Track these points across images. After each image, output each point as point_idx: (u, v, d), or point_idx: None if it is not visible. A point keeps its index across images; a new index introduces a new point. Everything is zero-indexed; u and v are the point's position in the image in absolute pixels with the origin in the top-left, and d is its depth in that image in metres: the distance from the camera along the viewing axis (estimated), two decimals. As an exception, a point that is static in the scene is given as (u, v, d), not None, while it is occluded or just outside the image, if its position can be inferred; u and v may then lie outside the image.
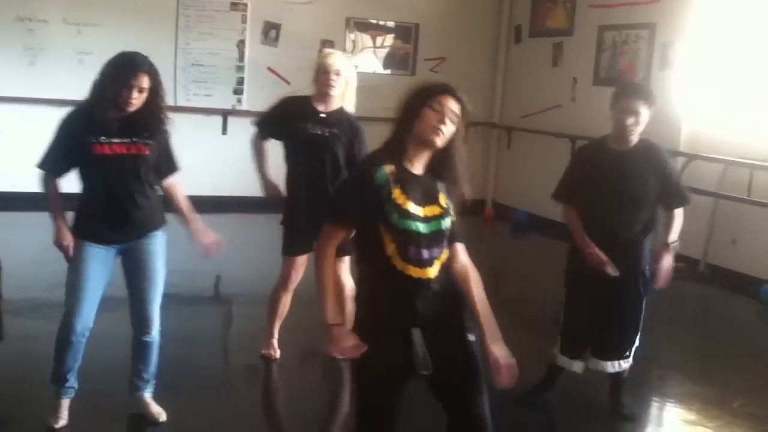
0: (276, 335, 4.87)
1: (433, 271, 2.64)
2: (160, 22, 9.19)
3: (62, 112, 8.62)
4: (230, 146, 9.30)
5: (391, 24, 10.32)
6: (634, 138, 3.97)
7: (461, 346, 2.71)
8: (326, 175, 4.47)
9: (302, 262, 4.65)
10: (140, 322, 3.75)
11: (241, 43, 9.63)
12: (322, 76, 4.49)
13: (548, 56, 9.74)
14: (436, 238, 2.67)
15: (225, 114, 9.53)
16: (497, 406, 2.76)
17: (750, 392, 4.73)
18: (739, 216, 7.35)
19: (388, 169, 2.64)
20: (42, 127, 8.88)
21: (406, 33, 10.36)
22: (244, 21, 9.60)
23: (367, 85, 4.70)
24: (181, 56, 9.35)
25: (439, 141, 2.67)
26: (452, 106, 2.72)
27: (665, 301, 7.09)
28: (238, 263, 6.60)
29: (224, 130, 9.54)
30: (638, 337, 4.13)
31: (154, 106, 3.61)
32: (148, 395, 3.87)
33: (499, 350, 2.65)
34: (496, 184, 10.83)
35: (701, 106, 7.91)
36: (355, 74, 4.63)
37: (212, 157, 9.04)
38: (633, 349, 4.13)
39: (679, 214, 4.09)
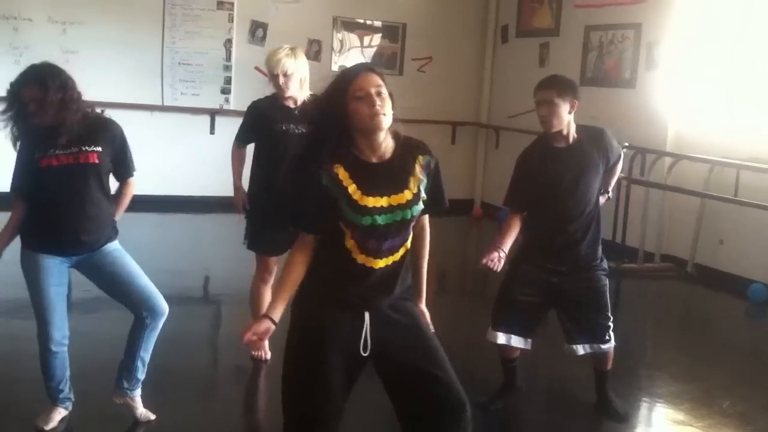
0: None
1: (388, 261, 2.61)
2: (146, 20, 9.15)
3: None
4: (218, 146, 9.20)
5: (378, 23, 10.32)
6: (564, 130, 3.95)
7: (417, 330, 2.70)
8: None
9: (276, 258, 4.67)
10: (135, 306, 3.72)
11: (228, 42, 9.60)
12: (273, 78, 4.50)
13: (535, 56, 9.76)
14: (399, 227, 2.61)
15: (212, 113, 9.50)
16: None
17: (738, 392, 4.75)
18: (726, 216, 7.38)
19: (335, 169, 2.55)
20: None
21: (393, 32, 10.35)
22: (230, 20, 9.57)
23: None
24: (168, 55, 9.31)
25: (386, 122, 2.55)
26: (372, 81, 2.55)
27: (653, 300, 7.14)
28: (226, 263, 6.59)
29: (212, 130, 9.51)
30: (610, 321, 4.10)
31: (76, 112, 3.54)
32: (136, 395, 3.84)
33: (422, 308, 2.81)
34: (484, 183, 10.85)
35: (687, 106, 7.94)
36: (306, 68, 4.57)
37: (200, 156, 9.00)
38: (609, 333, 4.11)
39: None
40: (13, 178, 3.65)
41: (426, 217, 2.81)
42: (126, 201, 3.86)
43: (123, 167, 3.76)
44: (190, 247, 7.19)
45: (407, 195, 2.61)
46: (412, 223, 2.66)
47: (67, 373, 3.70)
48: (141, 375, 3.81)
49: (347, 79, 2.57)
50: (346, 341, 2.61)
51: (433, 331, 2.75)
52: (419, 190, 2.65)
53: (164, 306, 3.73)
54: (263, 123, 4.57)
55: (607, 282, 4.13)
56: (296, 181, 2.63)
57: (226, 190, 7.62)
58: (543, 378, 4.80)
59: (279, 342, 4.89)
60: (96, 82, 3.90)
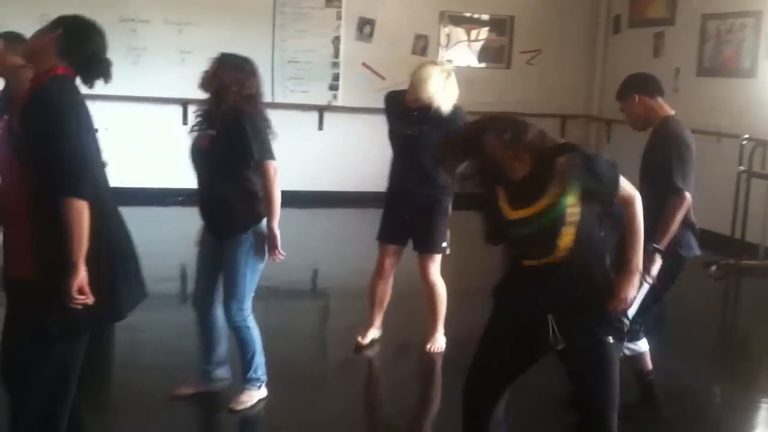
0: (374, 323, 4.95)
1: (552, 258, 2.76)
2: (257, 20, 9.34)
3: (165, 110, 8.88)
4: (326, 142, 9.39)
5: (485, 17, 10.21)
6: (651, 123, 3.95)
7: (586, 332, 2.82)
8: (413, 170, 4.58)
9: (393, 250, 4.77)
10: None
11: (336, 40, 9.69)
12: (411, 91, 4.48)
13: (649, 46, 9.46)
14: (542, 234, 2.76)
15: (321, 110, 9.62)
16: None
17: None
18: None
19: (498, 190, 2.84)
20: (145, 125, 9.19)
21: (500, 26, 10.23)
22: (339, 17, 9.66)
23: (461, 78, 4.64)
24: (277, 54, 9.48)
25: (516, 172, 2.79)
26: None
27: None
28: (335, 258, 6.65)
29: (320, 126, 9.64)
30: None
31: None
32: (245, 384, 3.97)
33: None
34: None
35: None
36: (452, 86, 4.48)
37: (308, 152, 9.14)
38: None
39: None
40: None
41: (626, 201, 2.91)
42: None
43: (245, 150, 3.87)
44: (298, 241, 7.30)
45: (546, 201, 2.74)
46: (557, 225, 2.74)
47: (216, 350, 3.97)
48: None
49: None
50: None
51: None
52: (558, 198, 2.74)
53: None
54: (388, 115, 4.72)
55: None
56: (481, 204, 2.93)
57: (335, 185, 7.77)
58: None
59: (384, 335, 4.97)
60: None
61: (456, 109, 4.50)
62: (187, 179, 3.94)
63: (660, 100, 3.92)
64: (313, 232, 7.78)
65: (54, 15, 2.87)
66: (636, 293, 2.92)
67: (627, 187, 2.89)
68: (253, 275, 3.84)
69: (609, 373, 2.83)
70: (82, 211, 2.58)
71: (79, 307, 2.58)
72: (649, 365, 3.97)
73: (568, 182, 2.74)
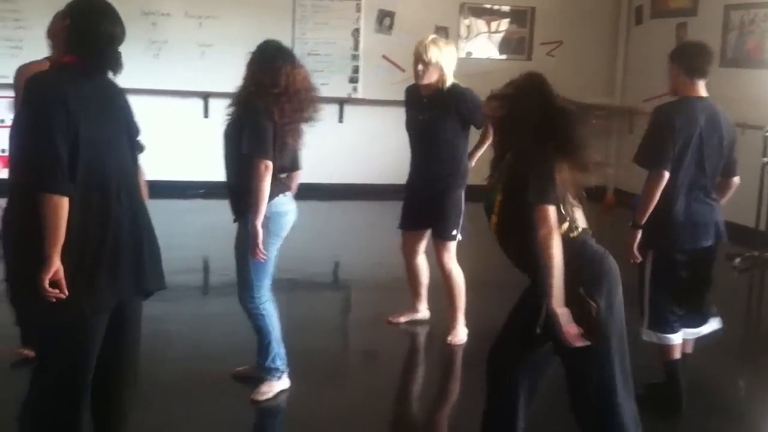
0: (417, 304, 5.07)
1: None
2: (277, 13, 9.33)
3: (186, 103, 8.92)
4: (347, 134, 9.38)
5: (506, 8, 10.16)
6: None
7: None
8: (426, 156, 4.70)
9: (411, 237, 4.93)
10: None
11: (355, 32, 9.68)
12: (413, 65, 4.63)
13: (671, 37, 9.36)
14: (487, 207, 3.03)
15: (341, 102, 9.62)
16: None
17: None
18: None
19: None
20: (167, 118, 9.23)
21: (521, 17, 10.18)
22: (358, 10, 9.64)
23: (482, 70, 4.67)
24: (297, 46, 9.47)
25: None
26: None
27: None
28: (356, 250, 6.66)
29: (340, 119, 9.64)
30: None
31: None
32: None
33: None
34: (618, 169, 10.49)
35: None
36: (451, 56, 4.65)
37: (328, 145, 9.14)
38: None
39: None
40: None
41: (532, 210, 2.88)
42: None
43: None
44: (319, 234, 7.32)
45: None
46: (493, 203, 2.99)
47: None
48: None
49: None
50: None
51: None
52: (496, 178, 3.02)
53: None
54: (405, 106, 4.85)
55: None
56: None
57: (355, 177, 7.78)
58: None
59: (403, 329, 4.98)
60: (230, 74, 4.00)
61: (465, 91, 4.63)
62: (208, 172, 3.96)
63: (695, 80, 3.89)
64: (333, 225, 7.80)
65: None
66: (569, 326, 2.77)
67: (544, 215, 2.83)
68: (257, 261, 3.84)
69: (585, 365, 2.86)
70: (53, 206, 2.59)
71: (53, 299, 2.60)
72: (676, 355, 3.96)
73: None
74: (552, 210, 2.85)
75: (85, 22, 2.78)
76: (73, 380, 2.77)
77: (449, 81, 4.64)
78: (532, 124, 2.98)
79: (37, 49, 3.89)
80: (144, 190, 3.03)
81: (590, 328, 2.78)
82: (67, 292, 2.62)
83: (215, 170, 3.93)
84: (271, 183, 3.74)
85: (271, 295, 3.95)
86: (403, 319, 5.11)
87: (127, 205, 2.81)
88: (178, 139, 8.61)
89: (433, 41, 4.64)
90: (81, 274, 2.68)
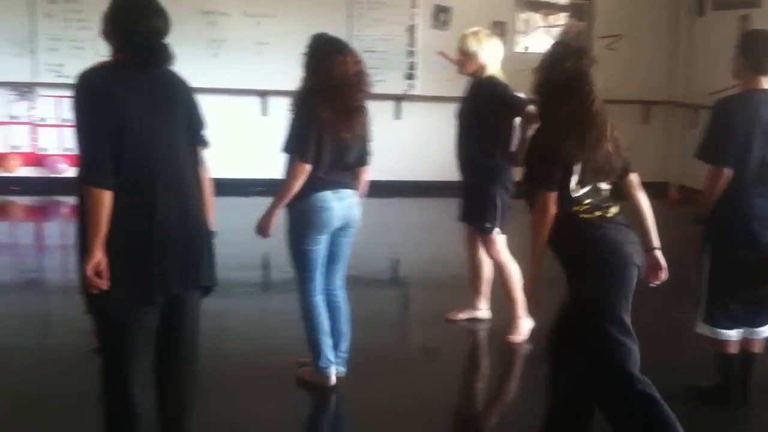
0: (477, 302, 5.06)
1: None
2: (333, 11, 9.37)
3: (244, 101, 9.02)
4: (403, 131, 9.38)
5: (563, 1, 10.04)
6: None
7: None
8: (463, 146, 4.81)
9: (468, 229, 4.96)
10: None
11: (411, 28, 9.67)
12: (457, 52, 4.80)
13: (734, 29, 9.14)
14: None
15: (397, 99, 9.62)
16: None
17: None
18: None
19: None
20: (225, 116, 9.33)
21: (579, 10, 10.04)
22: (414, 6, 9.63)
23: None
24: (353, 44, 9.38)
25: None
26: None
27: None
28: (415, 247, 6.66)
29: (397, 115, 9.64)
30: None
31: None
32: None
33: None
34: (682, 165, 10.30)
35: None
36: (491, 48, 4.72)
37: (385, 142, 9.13)
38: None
39: None
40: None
41: None
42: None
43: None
44: (378, 231, 7.34)
45: None
46: None
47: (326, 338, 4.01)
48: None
49: None
50: None
51: None
52: None
53: None
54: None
55: None
56: None
57: (413, 174, 7.77)
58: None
59: (463, 327, 4.95)
60: (287, 72, 4.03)
61: (496, 83, 4.69)
62: (266, 169, 3.99)
63: (759, 74, 3.77)
64: (392, 222, 7.80)
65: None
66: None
67: (538, 200, 3.11)
68: (297, 253, 3.89)
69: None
70: (95, 200, 2.65)
71: (95, 290, 2.68)
72: (729, 350, 3.89)
73: None
74: (546, 196, 3.01)
75: (125, 19, 2.79)
76: (120, 370, 2.83)
77: (487, 72, 4.69)
78: (549, 89, 3.10)
79: (100, 49, 3.96)
80: (207, 186, 3.01)
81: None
82: (108, 284, 2.69)
83: (274, 167, 3.95)
84: (315, 178, 3.76)
85: (323, 291, 3.98)
86: (462, 316, 5.09)
87: (175, 200, 2.81)
88: (237, 137, 8.70)
89: (474, 32, 4.75)
90: (122, 268, 2.72)
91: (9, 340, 4.55)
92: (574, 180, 3.06)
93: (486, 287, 5.06)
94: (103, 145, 2.66)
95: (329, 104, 3.71)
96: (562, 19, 10.07)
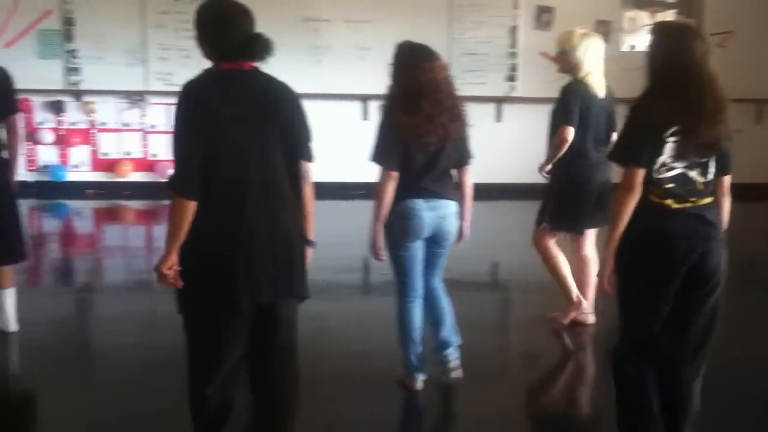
0: (580, 304, 5.01)
1: None
2: (434, 14, 9.39)
3: (346, 106, 9.10)
4: (504, 133, 9.31)
5: (671, -2, 9.76)
6: None
7: None
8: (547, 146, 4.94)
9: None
10: None
11: (513, 29, 9.58)
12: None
13: None
14: None
15: (498, 101, 9.55)
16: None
17: None
18: None
19: None
20: (327, 121, 9.46)
21: (687, 6, 9.74)
22: (516, 7, 9.55)
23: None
24: (454, 46, 9.49)
25: None
26: None
27: None
28: (515, 250, 6.59)
29: (498, 118, 9.57)
30: None
31: None
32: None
33: None
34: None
35: None
36: (583, 48, 4.70)
37: (487, 145, 9.07)
38: None
39: None
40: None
41: None
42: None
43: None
44: (477, 234, 7.30)
45: None
46: None
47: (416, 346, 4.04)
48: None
49: None
50: None
51: None
52: None
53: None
54: None
55: None
56: None
57: (514, 176, 7.71)
58: None
59: (574, 330, 4.87)
60: (387, 76, 4.04)
61: (567, 85, 4.75)
62: (367, 173, 4.02)
63: None
64: (491, 225, 7.73)
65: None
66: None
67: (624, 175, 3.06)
68: (392, 258, 3.91)
69: None
70: (178, 208, 2.73)
71: (167, 287, 2.81)
72: None
73: None
74: (632, 172, 2.93)
75: (207, 28, 2.82)
76: (198, 370, 2.90)
77: (582, 72, 4.70)
78: (652, 69, 3.02)
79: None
80: (308, 200, 2.99)
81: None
82: (179, 285, 2.79)
83: (374, 171, 3.98)
84: (405, 185, 3.77)
85: (421, 295, 3.98)
86: (565, 320, 5.03)
87: (265, 210, 2.80)
88: (338, 141, 8.81)
89: (569, 31, 4.80)
90: (211, 274, 2.78)
91: (119, 337, 4.75)
92: (662, 159, 2.94)
93: (589, 290, 4.97)
94: (193, 157, 2.71)
95: (413, 110, 3.68)
96: (669, 16, 9.78)
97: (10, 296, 4.75)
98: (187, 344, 2.92)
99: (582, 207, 4.80)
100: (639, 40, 9.45)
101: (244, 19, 2.80)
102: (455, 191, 3.93)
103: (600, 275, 3.13)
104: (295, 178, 2.91)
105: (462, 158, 3.94)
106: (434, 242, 3.89)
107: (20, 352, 4.62)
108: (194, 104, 2.73)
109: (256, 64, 2.83)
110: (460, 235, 3.98)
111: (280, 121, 2.84)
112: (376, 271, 5.86)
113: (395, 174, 3.75)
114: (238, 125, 2.75)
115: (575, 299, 4.98)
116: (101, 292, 6.10)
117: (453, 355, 4.05)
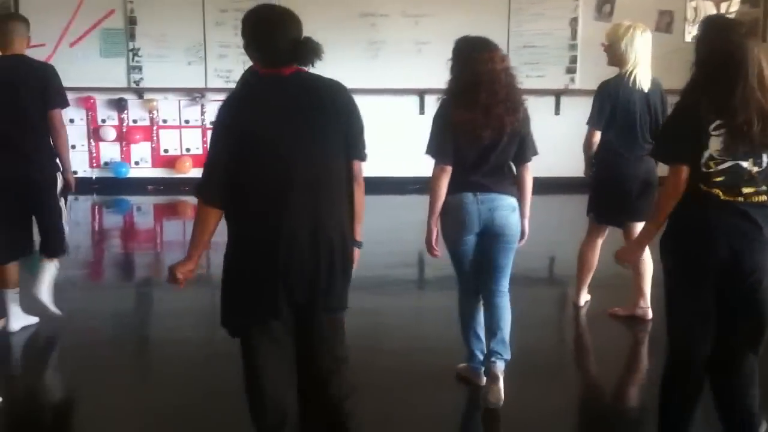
0: (638, 299, 4.98)
1: None
2: (492, 7, 9.32)
3: (402, 101, 9.05)
4: (563, 127, 9.16)
5: (737, -13, 9.51)
6: None
7: None
8: None
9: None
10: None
11: (573, 21, 9.45)
12: None
13: None
14: None
15: (557, 94, 9.43)
16: None
17: None
18: None
19: None
20: (384, 116, 9.49)
21: (754, -5, 9.49)
22: (576, -2, 9.42)
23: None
24: (513, 39, 9.40)
25: None
26: None
27: None
28: (572, 245, 6.49)
29: (557, 111, 9.45)
30: None
31: None
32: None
33: None
34: None
35: None
36: (629, 42, 4.71)
37: (544, 138, 8.95)
38: None
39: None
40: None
41: None
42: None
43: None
44: (535, 228, 7.22)
45: None
46: None
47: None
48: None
49: None
50: None
51: None
52: None
53: None
54: None
55: None
56: None
57: (573, 170, 7.58)
58: None
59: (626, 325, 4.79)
60: (445, 70, 4.00)
61: (605, 81, 4.86)
62: (424, 168, 3.99)
63: None
64: (550, 219, 7.64)
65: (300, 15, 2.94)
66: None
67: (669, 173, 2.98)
68: (447, 250, 3.90)
69: None
70: (200, 212, 2.79)
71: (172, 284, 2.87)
72: None
73: None
74: (674, 169, 2.88)
75: (251, 36, 2.81)
76: (250, 377, 2.92)
77: (627, 66, 4.74)
78: (698, 64, 3.01)
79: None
80: (357, 203, 2.94)
81: None
82: (181, 287, 2.88)
83: (430, 166, 3.95)
84: (457, 179, 3.73)
85: (477, 292, 3.94)
86: (621, 313, 4.99)
87: (307, 213, 2.75)
88: (395, 136, 8.80)
89: (616, 24, 4.89)
90: (250, 279, 2.80)
91: (180, 332, 4.82)
92: (709, 153, 2.85)
93: (644, 284, 4.91)
94: (219, 164, 2.73)
95: (470, 104, 3.63)
96: (735, 5, 9.53)
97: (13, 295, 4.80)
98: (241, 350, 2.93)
99: (617, 201, 4.82)
100: (703, 30, 9.24)
101: (288, 25, 2.77)
102: (512, 186, 3.84)
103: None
104: (342, 179, 2.86)
105: (522, 154, 3.85)
106: (490, 238, 3.81)
107: (80, 345, 4.71)
108: (227, 112, 2.76)
109: (304, 67, 2.79)
110: (522, 233, 3.89)
111: (327, 123, 2.80)
112: (431, 266, 5.83)
113: (448, 168, 3.72)
114: (274, 131, 2.72)
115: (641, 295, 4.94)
116: (161, 286, 6.19)
117: (497, 368, 3.87)
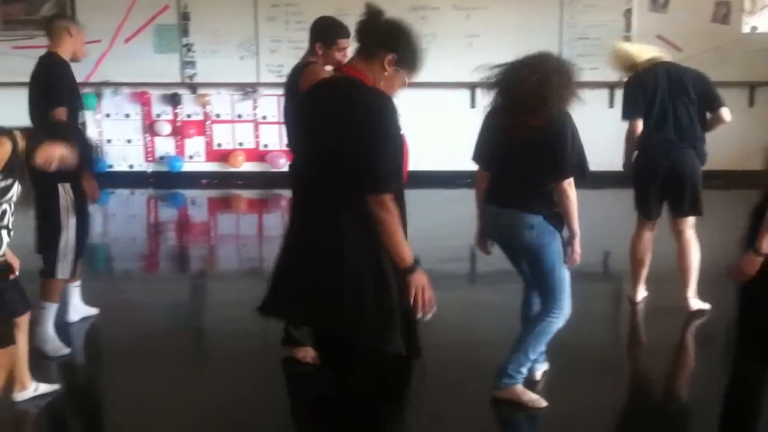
0: (685, 292, 4.94)
1: None
2: (544, 0, 9.23)
3: (453, 95, 9.06)
4: (616, 120, 9.03)
5: (798, -24, 9.27)
6: None
7: None
8: None
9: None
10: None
11: (627, 12, 9.32)
12: None
13: None
14: None
15: (611, 87, 9.30)
16: None
17: None
18: None
19: None
20: (435, 110, 9.47)
21: (816, -16, 9.23)
22: (631, -11, 9.29)
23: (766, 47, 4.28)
24: (566, 31, 9.30)
25: None
26: None
27: None
28: (627, 239, 6.43)
29: (611, 104, 9.32)
30: None
31: None
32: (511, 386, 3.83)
33: None
34: None
35: None
36: (624, 52, 5.21)
37: (598, 131, 8.85)
38: None
39: None
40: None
41: None
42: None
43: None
44: (589, 223, 7.12)
45: None
46: None
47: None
48: (512, 370, 3.75)
49: None
50: None
51: None
52: None
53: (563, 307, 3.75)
54: None
55: None
56: None
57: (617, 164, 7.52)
58: None
59: (669, 320, 4.70)
60: (497, 63, 3.98)
61: (634, 76, 5.10)
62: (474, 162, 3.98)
63: None
64: (604, 214, 7.55)
65: (350, 9, 3.00)
66: None
67: None
68: None
69: None
70: (392, 207, 2.77)
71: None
72: None
73: None
74: None
75: (409, 47, 3.06)
76: None
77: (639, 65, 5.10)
78: None
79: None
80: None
81: None
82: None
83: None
84: (488, 187, 3.78)
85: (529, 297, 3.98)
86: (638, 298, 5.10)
87: (302, 222, 2.86)
88: (446, 130, 8.78)
89: (611, 59, 5.39)
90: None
91: (231, 323, 4.88)
92: None
93: (688, 277, 4.91)
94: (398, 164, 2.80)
95: (504, 112, 3.63)
96: (796, -5, 9.30)
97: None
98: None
99: (643, 193, 4.96)
100: (761, 21, 9.01)
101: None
102: (538, 202, 3.59)
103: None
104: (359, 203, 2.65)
105: (558, 170, 3.58)
106: (512, 256, 3.83)
107: (135, 336, 4.80)
108: (395, 116, 2.81)
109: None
110: (571, 257, 3.74)
111: (337, 136, 2.70)
112: (483, 260, 5.82)
113: (484, 174, 3.77)
114: (304, 136, 2.92)
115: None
116: (214, 279, 6.28)
117: (502, 382, 3.80)
